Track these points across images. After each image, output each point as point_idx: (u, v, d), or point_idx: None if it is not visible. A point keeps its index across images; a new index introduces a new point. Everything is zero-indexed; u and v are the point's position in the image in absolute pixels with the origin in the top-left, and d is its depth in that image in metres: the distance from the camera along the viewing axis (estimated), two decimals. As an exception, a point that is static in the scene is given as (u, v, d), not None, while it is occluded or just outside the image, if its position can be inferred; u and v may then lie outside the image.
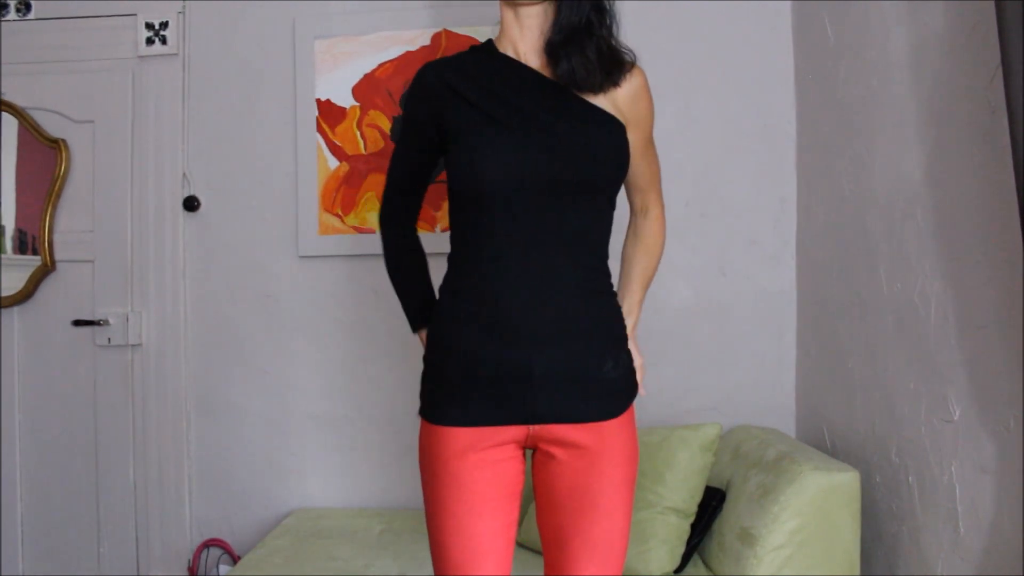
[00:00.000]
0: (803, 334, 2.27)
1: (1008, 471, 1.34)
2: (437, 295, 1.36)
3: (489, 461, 1.26)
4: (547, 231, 1.23)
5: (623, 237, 1.44)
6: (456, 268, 1.32)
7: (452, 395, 1.26)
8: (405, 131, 1.38)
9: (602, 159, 1.26)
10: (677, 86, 2.32)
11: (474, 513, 1.25)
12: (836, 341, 2.03)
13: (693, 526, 1.91)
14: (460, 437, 1.25)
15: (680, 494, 1.88)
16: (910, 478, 1.65)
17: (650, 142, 1.39)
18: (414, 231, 1.45)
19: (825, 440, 2.08)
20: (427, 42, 2.39)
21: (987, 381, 1.39)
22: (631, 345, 1.35)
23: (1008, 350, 1.32)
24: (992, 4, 1.20)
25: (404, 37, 2.39)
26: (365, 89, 2.41)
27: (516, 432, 1.27)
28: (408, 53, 2.39)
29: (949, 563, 1.50)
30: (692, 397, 2.33)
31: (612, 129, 1.28)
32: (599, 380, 1.26)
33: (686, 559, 1.90)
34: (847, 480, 1.70)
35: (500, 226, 1.24)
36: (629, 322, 1.37)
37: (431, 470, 1.29)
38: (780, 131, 2.30)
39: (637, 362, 1.35)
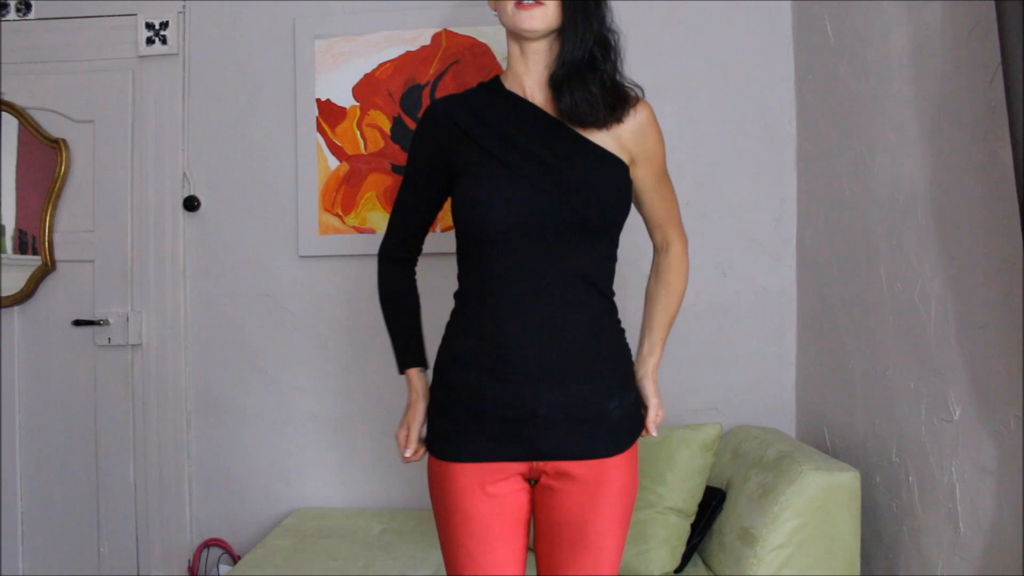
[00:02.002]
0: (803, 334, 2.27)
1: (1008, 471, 1.34)
2: (444, 330, 1.36)
3: (496, 495, 1.28)
4: (551, 270, 1.24)
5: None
6: (462, 306, 1.33)
7: (457, 432, 1.29)
8: (411, 168, 1.39)
9: (604, 201, 1.26)
10: (677, 86, 2.32)
11: (485, 545, 1.28)
12: (836, 341, 2.03)
13: (693, 526, 1.91)
14: (467, 473, 1.28)
15: (680, 494, 1.88)
16: (910, 478, 1.65)
17: (664, 176, 1.38)
18: (411, 272, 1.45)
19: (825, 440, 2.08)
20: (427, 42, 2.39)
21: (987, 381, 1.39)
22: (649, 385, 1.35)
23: (1008, 350, 1.32)
24: (992, 4, 1.20)
25: (404, 37, 2.39)
26: (365, 89, 2.41)
27: (520, 466, 1.29)
28: (408, 53, 2.39)
29: (949, 563, 1.50)
30: (692, 397, 2.33)
31: (615, 170, 1.28)
32: (602, 419, 1.27)
33: (686, 559, 1.90)
34: (847, 480, 1.70)
35: (505, 265, 1.25)
36: (651, 361, 1.36)
37: (441, 504, 1.32)
38: (780, 131, 2.30)
39: (653, 402, 1.35)
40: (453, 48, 2.37)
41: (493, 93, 1.34)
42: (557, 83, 1.27)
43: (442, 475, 1.30)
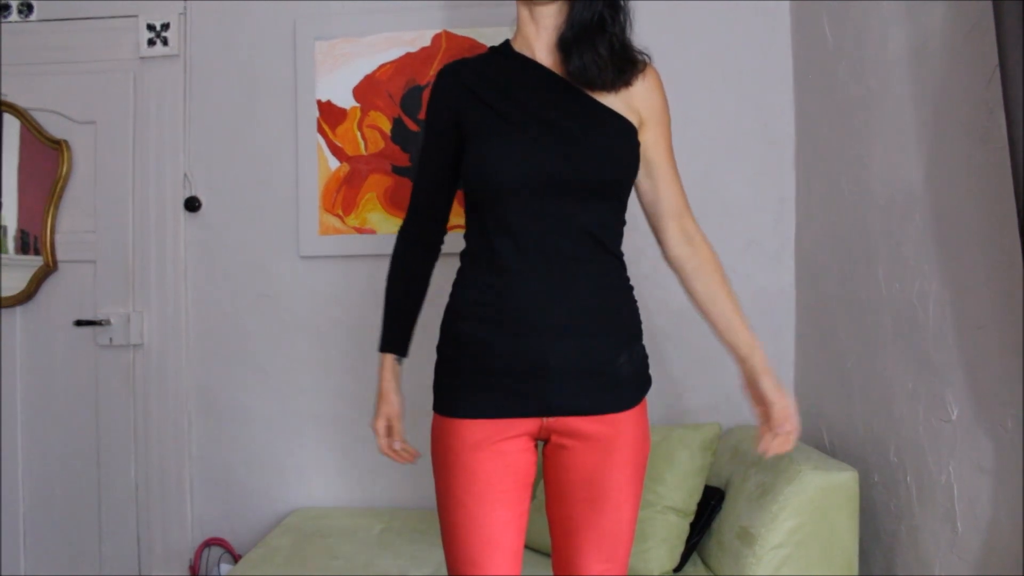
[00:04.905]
0: (802, 334, 2.28)
1: (1006, 471, 1.34)
2: (451, 289, 1.36)
3: (501, 453, 1.27)
4: (561, 228, 1.25)
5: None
6: (470, 264, 1.33)
7: (466, 388, 1.28)
8: (427, 137, 1.39)
9: (612, 159, 1.27)
10: (677, 86, 2.30)
11: (486, 504, 1.26)
12: (835, 341, 2.03)
13: (692, 525, 1.92)
14: (475, 430, 1.27)
15: (680, 493, 1.88)
16: (908, 478, 1.65)
17: (671, 147, 1.36)
18: (427, 254, 1.42)
19: (824, 440, 2.09)
20: (427, 43, 2.39)
21: (985, 381, 1.40)
22: (770, 382, 1.27)
23: (1007, 350, 1.32)
24: (991, 4, 1.21)
25: (404, 38, 2.40)
26: (365, 90, 2.42)
27: (530, 424, 1.28)
28: (408, 54, 2.40)
29: (947, 562, 1.51)
30: (692, 397, 2.33)
31: (623, 129, 1.29)
32: (613, 373, 1.27)
33: (685, 558, 1.91)
34: (845, 479, 1.71)
35: (514, 224, 1.25)
36: (758, 356, 1.29)
37: (444, 463, 1.30)
38: (780, 131, 2.31)
39: (779, 405, 1.26)
40: (453, 49, 2.38)
41: (501, 56, 1.36)
42: (566, 45, 1.28)
43: (448, 432, 1.28)
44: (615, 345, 1.28)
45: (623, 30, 1.31)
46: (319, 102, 2.43)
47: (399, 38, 2.40)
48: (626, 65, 1.29)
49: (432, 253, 1.43)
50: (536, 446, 1.33)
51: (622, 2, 1.31)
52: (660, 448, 1.92)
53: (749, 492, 1.81)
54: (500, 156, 1.25)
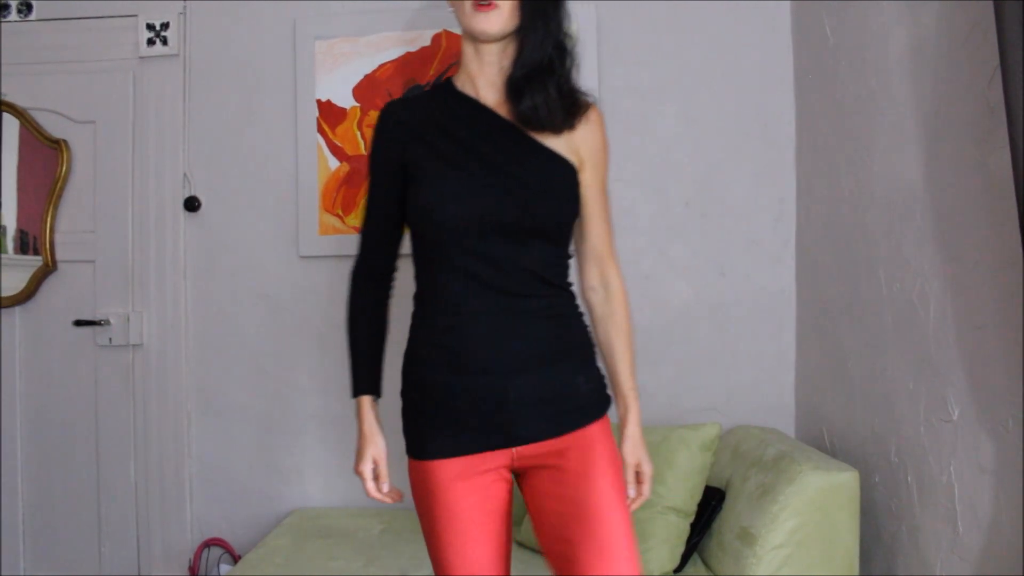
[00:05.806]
0: (802, 334, 2.28)
1: (1007, 471, 1.34)
2: (408, 333, 1.35)
3: (476, 488, 1.28)
4: (506, 268, 1.25)
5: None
6: (422, 306, 1.33)
7: (434, 429, 1.28)
8: (372, 177, 1.37)
9: (554, 202, 1.27)
10: (677, 86, 2.32)
11: (469, 540, 1.27)
12: (835, 341, 2.03)
13: (693, 525, 1.92)
14: (447, 468, 1.27)
15: (680, 494, 1.88)
16: (909, 478, 1.65)
17: (604, 191, 1.36)
18: (383, 291, 1.40)
19: (824, 440, 2.09)
20: (427, 43, 2.39)
21: (986, 381, 1.40)
22: (640, 450, 1.32)
23: (1007, 350, 1.32)
24: (991, 4, 1.21)
25: (404, 38, 2.40)
26: (365, 90, 2.41)
27: (501, 457, 1.28)
28: (408, 54, 2.39)
29: (948, 562, 1.51)
30: (692, 397, 2.33)
31: (565, 171, 1.29)
32: (572, 396, 1.29)
33: (686, 558, 1.91)
34: (846, 480, 1.71)
35: (461, 265, 1.26)
36: (632, 417, 1.33)
37: (423, 503, 1.31)
38: (780, 131, 2.31)
39: (647, 470, 1.32)
40: (453, 49, 2.38)
41: (445, 94, 1.34)
42: (516, 85, 1.27)
43: (423, 475, 1.29)
44: (572, 370, 1.30)
45: (570, 72, 1.30)
46: (319, 102, 2.43)
47: (399, 37, 2.40)
48: (574, 107, 1.29)
49: (386, 290, 1.41)
50: (511, 477, 1.33)
51: (569, 46, 1.30)
52: (660, 448, 1.92)
53: (749, 492, 1.81)
54: (444, 198, 1.25)
